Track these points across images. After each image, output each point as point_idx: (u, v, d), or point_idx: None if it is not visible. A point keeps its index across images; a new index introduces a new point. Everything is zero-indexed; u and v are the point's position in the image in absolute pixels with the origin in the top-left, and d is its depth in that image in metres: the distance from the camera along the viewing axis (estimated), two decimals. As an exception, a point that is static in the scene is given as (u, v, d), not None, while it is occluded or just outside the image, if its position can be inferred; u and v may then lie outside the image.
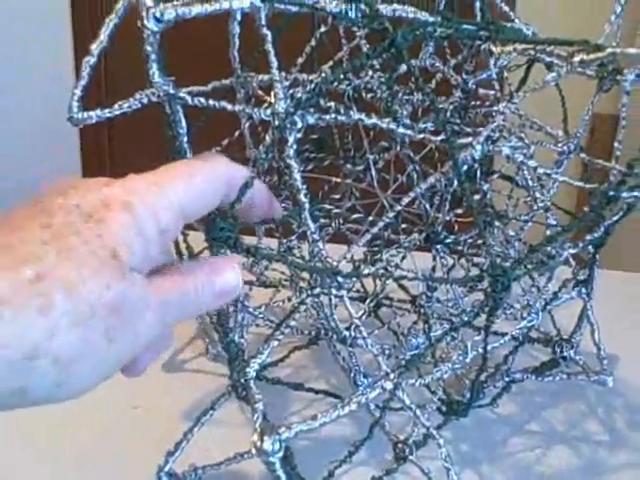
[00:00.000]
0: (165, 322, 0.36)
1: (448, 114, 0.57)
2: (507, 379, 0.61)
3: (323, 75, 0.56)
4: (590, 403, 0.66)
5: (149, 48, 0.44)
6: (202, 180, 0.39)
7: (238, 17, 0.55)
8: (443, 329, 0.60)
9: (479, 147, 0.46)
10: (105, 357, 0.33)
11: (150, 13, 0.42)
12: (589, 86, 0.58)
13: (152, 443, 0.59)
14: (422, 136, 0.47)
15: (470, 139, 0.46)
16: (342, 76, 0.52)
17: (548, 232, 0.57)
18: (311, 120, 0.47)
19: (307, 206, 0.47)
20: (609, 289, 0.66)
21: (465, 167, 0.45)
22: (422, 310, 0.58)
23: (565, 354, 0.66)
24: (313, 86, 0.47)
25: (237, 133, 0.61)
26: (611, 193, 0.44)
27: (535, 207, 0.60)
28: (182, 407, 0.63)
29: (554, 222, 0.61)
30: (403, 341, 0.61)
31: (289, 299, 0.62)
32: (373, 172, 0.58)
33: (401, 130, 0.47)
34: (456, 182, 0.50)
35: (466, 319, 0.46)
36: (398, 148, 0.61)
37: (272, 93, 0.57)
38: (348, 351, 0.56)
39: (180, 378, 0.68)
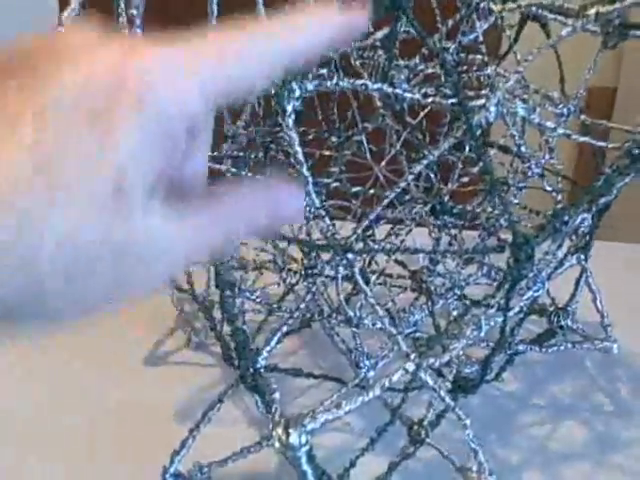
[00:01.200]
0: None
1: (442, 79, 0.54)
2: (509, 352, 0.59)
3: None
4: (591, 373, 0.65)
5: (134, 12, 0.40)
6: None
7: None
8: (446, 304, 0.58)
9: (494, 109, 0.43)
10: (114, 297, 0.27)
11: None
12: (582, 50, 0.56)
13: (143, 441, 0.56)
14: (431, 100, 0.44)
15: (483, 101, 0.43)
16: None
17: (559, 197, 0.54)
18: (310, 87, 0.43)
19: (311, 180, 0.44)
20: (605, 260, 0.64)
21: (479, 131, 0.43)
22: (424, 285, 0.56)
23: (562, 323, 0.64)
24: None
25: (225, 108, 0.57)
26: (636, 151, 0.42)
27: (530, 173, 0.58)
28: (172, 402, 0.59)
29: (549, 188, 0.59)
30: (400, 318, 0.59)
31: (284, 281, 0.59)
32: (365, 143, 0.55)
33: (409, 95, 0.44)
34: (468, 147, 0.47)
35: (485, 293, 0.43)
36: (386, 118, 0.59)
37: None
38: (353, 332, 0.53)
39: (165, 372, 0.64)
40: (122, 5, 0.44)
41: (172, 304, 0.67)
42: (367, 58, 0.54)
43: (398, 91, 0.44)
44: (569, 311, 0.64)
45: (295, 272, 0.58)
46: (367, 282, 0.65)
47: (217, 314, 0.61)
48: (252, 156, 0.57)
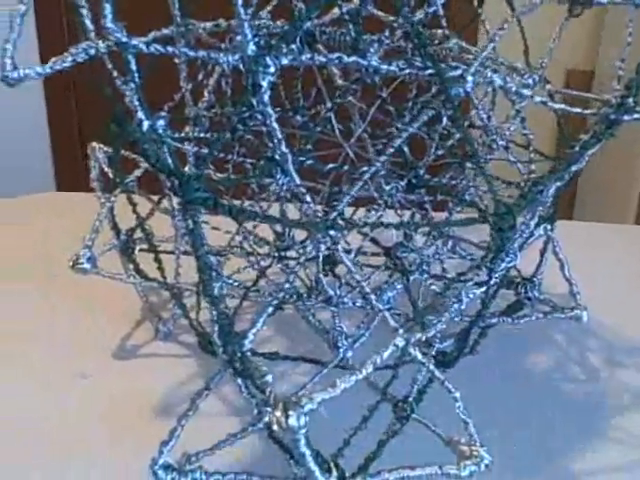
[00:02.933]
0: None
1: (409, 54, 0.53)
2: (482, 324, 0.60)
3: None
4: (561, 345, 0.66)
5: (105, -14, 0.39)
6: None
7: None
8: (419, 280, 0.58)
9: (471, 78, 0.43)
10: None
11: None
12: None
13: (123, 436, 0.54)
14: (408, 72, 0.43)
15: (459, 72, 0.43)
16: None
17: (533, 167, 0.55)
18: (285, 61, 0.42)
19: (290, 157, 0.43)
20: (568, 238, 0.65)
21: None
22: (399, 261, 0.55)
23: (529, 294, 0.65)
24: (289, 24, 0.43)
25: (188, 87, 0.56)
26: (612, 117, 0.42)
27: (495, 146, 0.58)
28: (147, 395, 0.57)
29: (513, 159, 0.60)
30: (377, 296, 0.58)
31: (258, 263, 0.58)
32: (334, 121, 0.54)
33: (385, 67, 0.43)
34: (447, 118, 0.47)
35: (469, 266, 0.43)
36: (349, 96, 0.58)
37: (228, 38, 0.52)
38: (332, 312, 0.53)
39: (136, 365, 0.62)
40: None
41: (137, 295, 0.65)
42: (332, 33, 0.53)
43: (374, 63, 0.43)
44: (535, 282, 0.65)
45: (268, 255, 0.57)
46: (335, 263, 0.65)
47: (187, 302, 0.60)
48: (218, 137, 0.56)
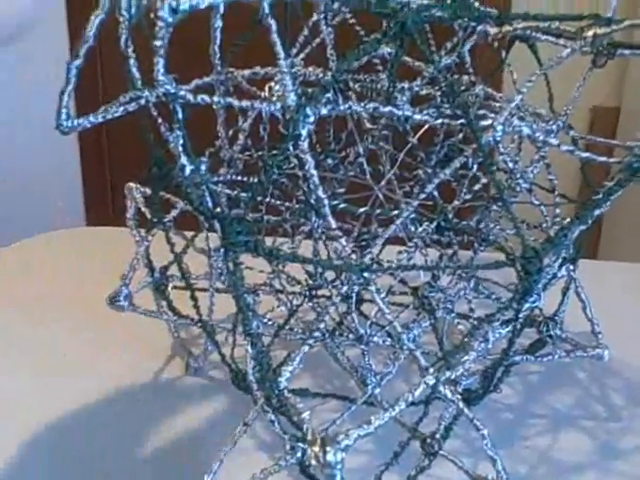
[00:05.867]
0: None
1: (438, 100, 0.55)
2: (506, 362, 0.61)
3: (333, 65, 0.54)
4: (583, 383, 0.67)
5: (159, 43, 0.41)
6: None
7: (221, 10, 0.52)
8: (443, 318, 0.59)
9: (500, 128, 0.45)
10: None
11: (165, 3, 0.39)
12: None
13: (158, 470, 0.56)
14: (440, 121, 0.45)
15: (490, 121, 0.45)
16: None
17: (558, 210, 0.56)
18: (324, 111, 0.45)
19: (327, 202, 0.45)
20: (600, 277, 0.66)
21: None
22: (426, 301, 0.57)
23: (551, 333, 0.66)
24: (328, 76, 0.45)
25: (231, 132, 0.58)
26: (635, 165, 0.44)
27: (518, 189, 0.60)
28: (179, 431, 0.59)
29: (537, 202, 0.61)
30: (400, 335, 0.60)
31: (290, 302, 0.60)
32: (365, 164, 0.57)
33: (418, 116, 0.45)
34: (476, 165, 0.49)
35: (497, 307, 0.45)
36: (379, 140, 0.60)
37: (267, 87, 0.55)
38: (362, 350, 0.54)
39: (168, 399, 0.64)
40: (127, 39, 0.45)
41: (168, 331, 0.67)
42: (365, 81, 0.55)
43: (408, 113, 0.45)
44: (557, 320, 0.66)
45: (299, 293, 0.59)
46: (362, 301, 0.67)
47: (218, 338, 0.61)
48: (251, 179, 0.58)
